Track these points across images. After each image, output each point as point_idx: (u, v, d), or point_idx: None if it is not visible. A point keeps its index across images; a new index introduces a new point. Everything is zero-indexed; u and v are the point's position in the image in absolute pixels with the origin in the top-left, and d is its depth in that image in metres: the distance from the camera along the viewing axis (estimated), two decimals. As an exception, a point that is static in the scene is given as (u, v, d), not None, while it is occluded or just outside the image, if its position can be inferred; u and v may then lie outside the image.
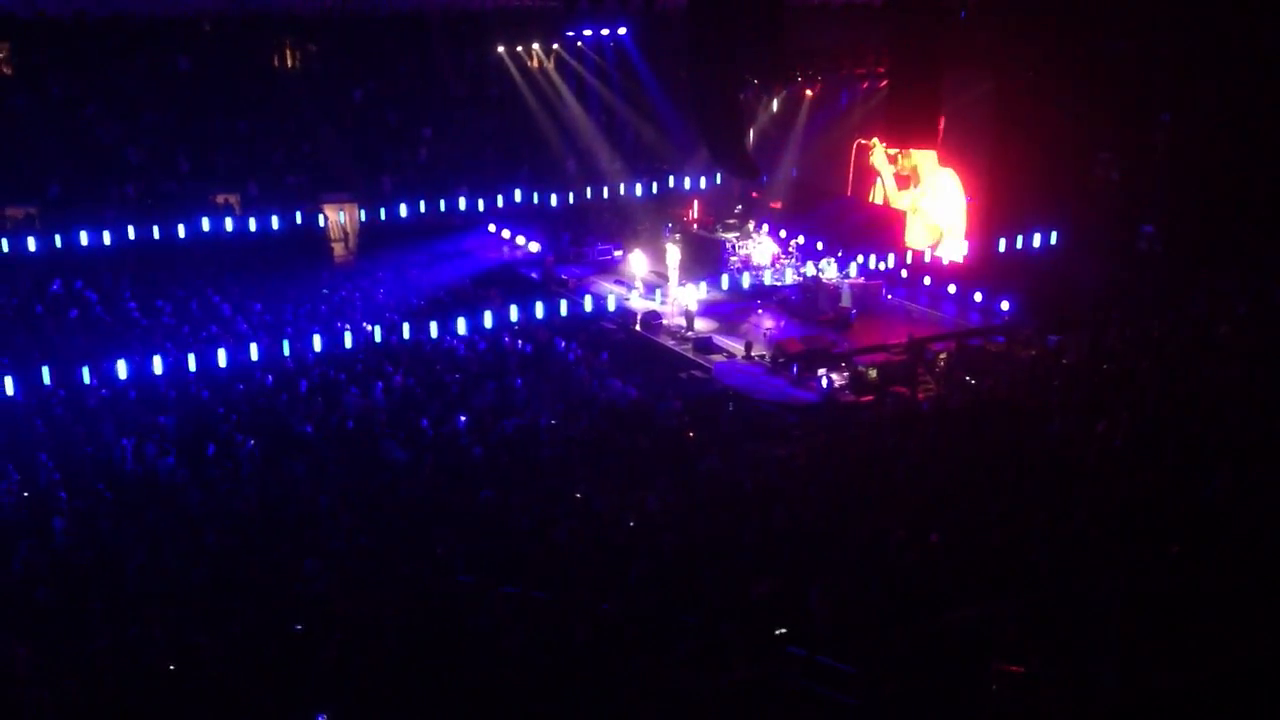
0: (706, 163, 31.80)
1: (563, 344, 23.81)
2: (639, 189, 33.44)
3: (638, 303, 27.50)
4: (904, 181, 29.55)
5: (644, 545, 13.54)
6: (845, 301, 26.67)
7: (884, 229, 29.61)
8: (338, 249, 31.20)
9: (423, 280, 28.75)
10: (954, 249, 27.96)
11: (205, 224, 28.35)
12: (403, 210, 30.93)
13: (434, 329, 24.14)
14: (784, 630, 10.01)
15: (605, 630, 11.05)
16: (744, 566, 12.42)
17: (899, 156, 29.20)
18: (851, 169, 31.33)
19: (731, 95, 27.57)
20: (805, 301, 27.12)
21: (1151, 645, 9.29)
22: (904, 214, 29.56)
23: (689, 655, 10.28)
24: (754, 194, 32.84)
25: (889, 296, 28.06)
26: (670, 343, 25.47)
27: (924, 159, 28.15)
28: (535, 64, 36.27)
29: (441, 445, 18.63)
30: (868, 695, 9.30)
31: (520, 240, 32.18)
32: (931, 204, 28.81)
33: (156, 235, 27.85)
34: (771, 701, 9.48)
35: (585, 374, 22.08)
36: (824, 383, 22.14)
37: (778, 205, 32.81)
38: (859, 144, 30.96)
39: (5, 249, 26.62)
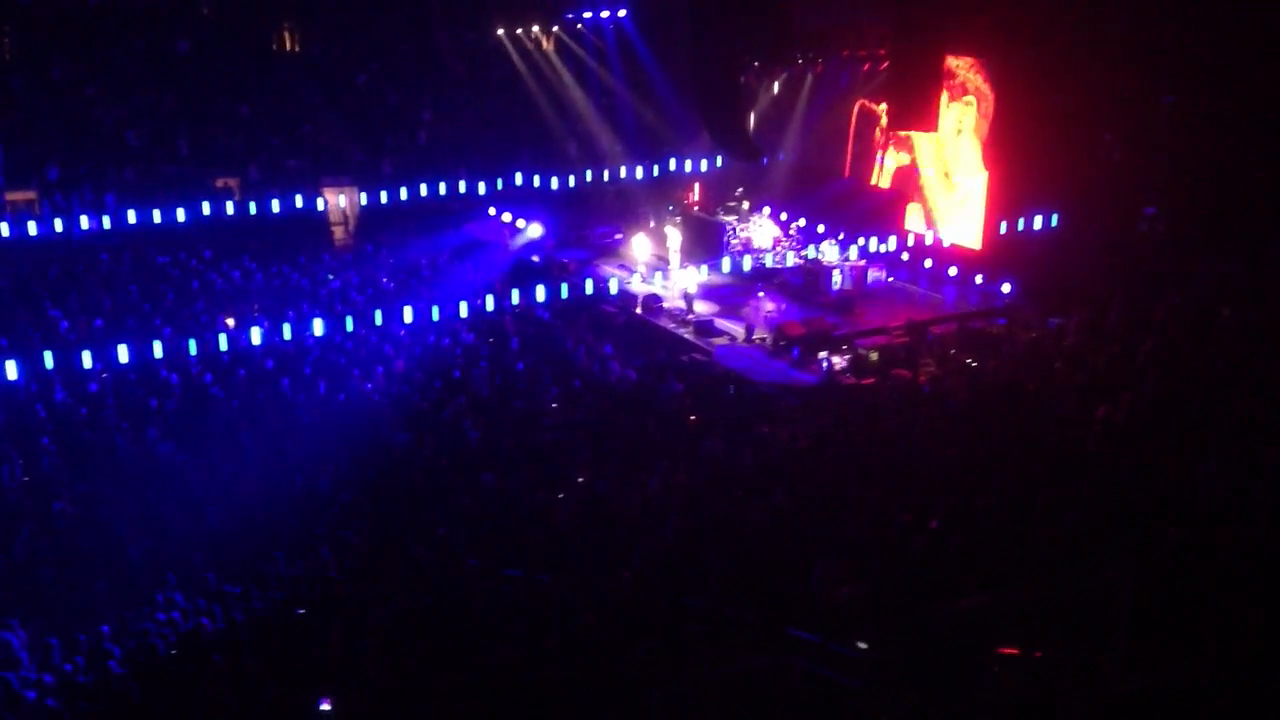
0: (707, 145, 31.74)
1: (563, 328, 23.79)
2: (640, 172, 33.35)
3: (639, 286, 27.45)
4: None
5: (647, 528, 13.56)
6: (846, 284, 26.64)
7: (887, 212, 29.51)
8: (338, 233, 31.15)
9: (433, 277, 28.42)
10: (969, 234, 27.63)
11: (206, 208, 28.30)
12: (403, 193, 30.86)
13: (435, 312, 24.13)
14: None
15: (609, 613, 11.07)
16: (748, 549, 12.43)
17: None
18: (851, 141, 31.01)
19: (732, 77, 27.57)
20: (806, 284, 27.09)
21: (1155, 630, 9.30)
22: (906, 195, 29.37)
23: (694, 639, 10.29)
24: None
25: (889, 279, 28.01)
26: (671, 326, 25.45)
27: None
28: (535, 46, 36.15)
29: (443, 428, 18.65)
30: (871, 678, 9.32)
31: (521, 223, 32.14)
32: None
33: (157, 219, 27.81)
34: (776, 684, 9.50)
35: (584, 357, 22.09)
36: (825, 365, 22.14)
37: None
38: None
39: (6, 233, 26.58)
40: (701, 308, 25.95)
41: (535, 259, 30.20)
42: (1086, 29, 24.71)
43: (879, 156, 30.24)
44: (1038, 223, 26.82)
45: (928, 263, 27.87)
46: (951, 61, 26.09)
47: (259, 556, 14.15)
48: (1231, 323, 20.10)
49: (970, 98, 26.76)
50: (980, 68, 26.67)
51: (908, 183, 29.37)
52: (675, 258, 28.18)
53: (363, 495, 16.15)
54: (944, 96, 26.44)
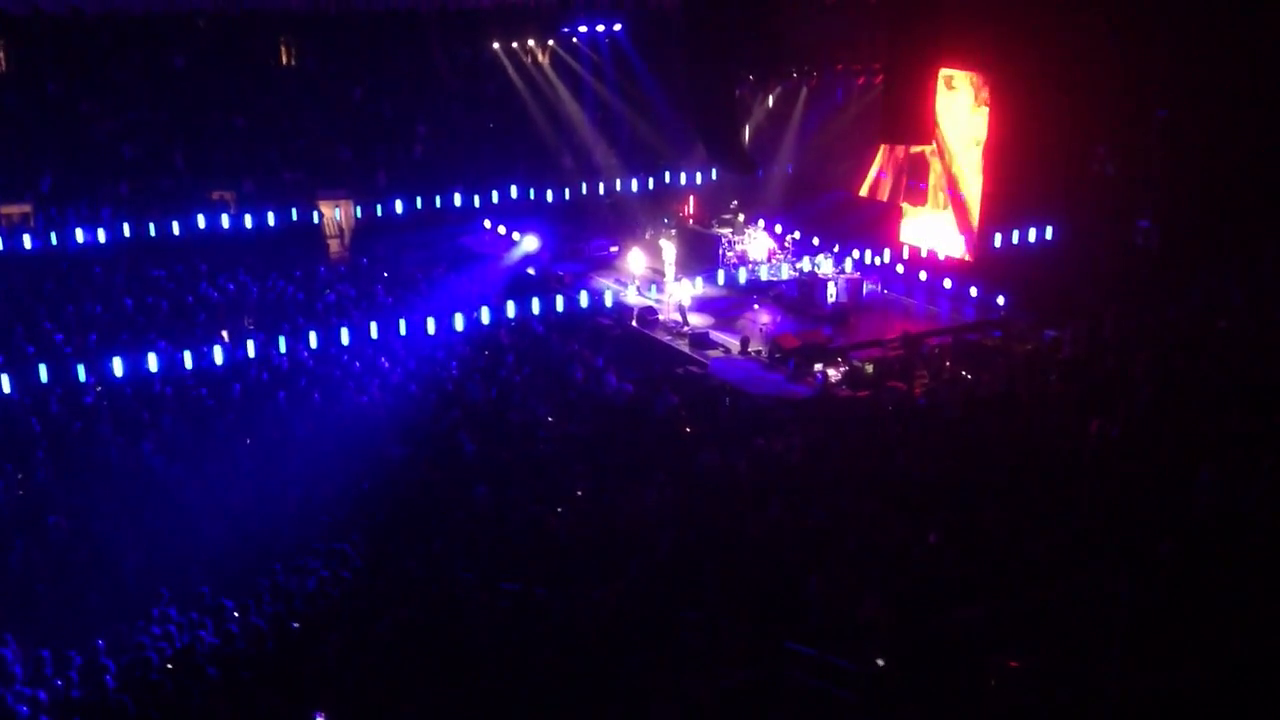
0: (702, 158, 31.78)
1: (559, 341, 23.79)
2: (635, 185, 33.38)
3: (634, 299, 27.46)
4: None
5: (642, 541, 13.54)
6: (841, 297, 26.67)
7: (882, 224, 29.53)
8: (333, 245, 31.14)
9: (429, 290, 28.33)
10: (957, 244, 27.64)
11: (201, 221, 28.31)
12: (398, 206, 30.89)
13: (431, 325, 24.13)
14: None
15: (605, 626, 11.05)
16: (743, 561, 12.42)
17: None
18: (856, 153, 30.89)
19: (727, 91, 27.58)
20: (801, 297, 27.11)
21: (1151, 640, 9.30)
22: (900, 208, 29.40)
23: (690, 651, 10.28)
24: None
25: (884, 292, 28.04)
26: (666, 338, 25.44)
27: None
28: (531, 60, 36.24)
29: (439, 441, 18.62)
30: (867, 691, 9.31)
31: (516, 236, 32.17)
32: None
33: (152, 232, 27.80)
34: (772, 697, 9.49)
35: (580, 371, 22.08)
36: (820, 378, 22.14)
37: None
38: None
39: (0, 247, 26.56)
40: (697, 320, 25.98)
41: (531, 272, 30.21)
42: (1080, 43, 24.81)
43: (876, 168, 30.27)
44: (1033, 235, 26.89)
45: (923, 275, 27.91)
46: (960, 74, 26.24)
47: (254, 570, 14.11)
48: (1226, 334, 20.16)
49: (985, 107, 26.78)
50: (983, 78, 26.77)
51: (911, 192, 29.34)
52: (670, 270, 28.20)
53: (358, 508, 16.12)
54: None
